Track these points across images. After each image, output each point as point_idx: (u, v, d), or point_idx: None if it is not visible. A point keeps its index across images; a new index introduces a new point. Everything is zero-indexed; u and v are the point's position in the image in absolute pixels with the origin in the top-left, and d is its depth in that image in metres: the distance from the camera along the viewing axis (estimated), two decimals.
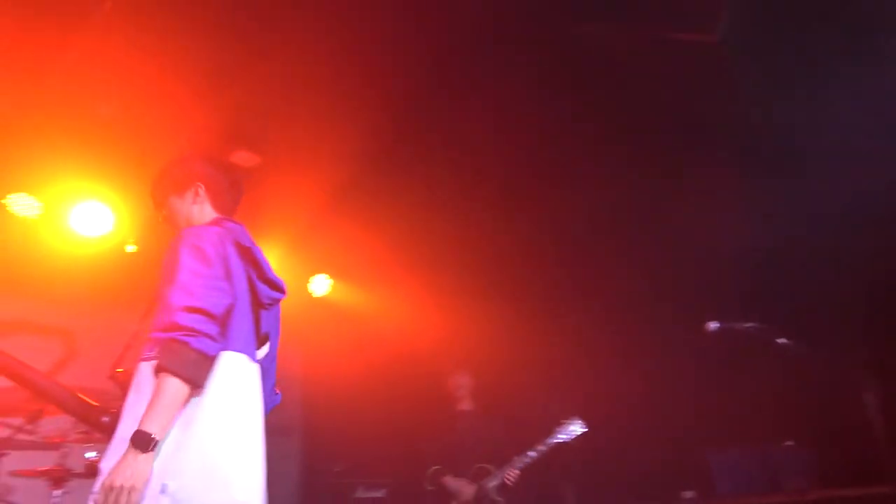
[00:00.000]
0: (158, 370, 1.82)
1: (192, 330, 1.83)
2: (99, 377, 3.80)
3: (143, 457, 1.76)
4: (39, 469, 3.40)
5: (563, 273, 5.84)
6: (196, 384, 1.85)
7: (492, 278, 5.87)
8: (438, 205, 5.50)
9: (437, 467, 4.64)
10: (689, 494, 4.85)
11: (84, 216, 4.84)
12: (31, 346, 4.92)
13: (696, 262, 5.20)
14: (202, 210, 2.30)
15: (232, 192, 2.41)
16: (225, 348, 1.95)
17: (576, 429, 4.58)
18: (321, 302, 6.24)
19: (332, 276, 6.23)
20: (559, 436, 4.54)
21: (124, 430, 1.87)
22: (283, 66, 3.95)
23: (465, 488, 4.53)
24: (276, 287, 2.25)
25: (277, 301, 2.29)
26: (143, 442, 1.77)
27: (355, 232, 5.62)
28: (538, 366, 5.73)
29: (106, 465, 1.84)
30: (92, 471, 3.41)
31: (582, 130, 4.56)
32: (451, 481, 4.57)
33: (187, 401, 1.86)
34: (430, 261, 5.86)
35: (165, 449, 1.81)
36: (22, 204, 4.66)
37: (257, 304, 2.16)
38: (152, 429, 1.78)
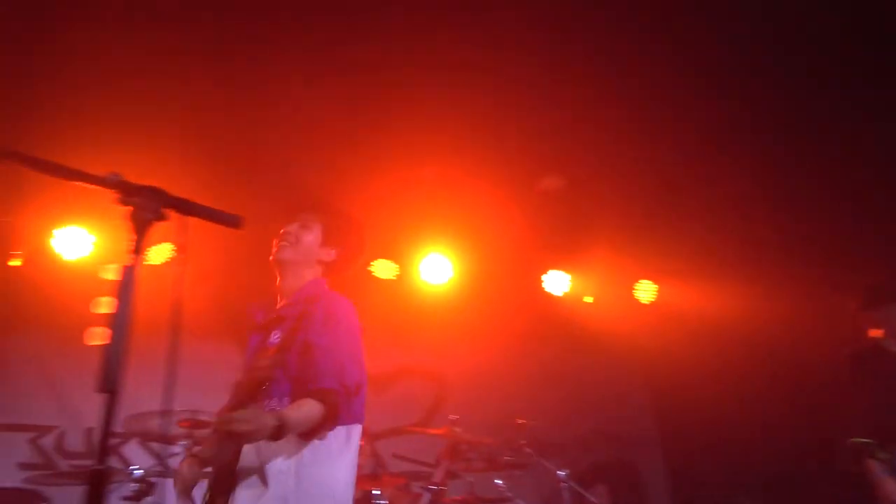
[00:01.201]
0: (323, 402, 2.05)
1: (339, 406, 2.09)
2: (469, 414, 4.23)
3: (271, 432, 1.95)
4: (455, 498, 3.80)
5: None
6: (315, 438, 2.13)
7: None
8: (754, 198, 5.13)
9: (864, 441, 3.39)
10: None
11: (430, 269, 5.47)
12: (411, 390, 5.62)
13: None
14: (319, 269, 2.42)
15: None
16: (355, 421, 2.25)
17: None
18: (649, 308, 6.11)
19: (656, 280, 6.07)
20: None
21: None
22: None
23: None
24: None
25: None
26: (281, 431, 1.96)
27: (675, 235, 5.47)
28: None
29: None
30: (501, 497, 3.75)
31: None
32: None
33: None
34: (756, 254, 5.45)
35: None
36: (383, 268, 5.44)
37: None
38: (289, 430, 1.99)
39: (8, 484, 3.94)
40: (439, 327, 5.68)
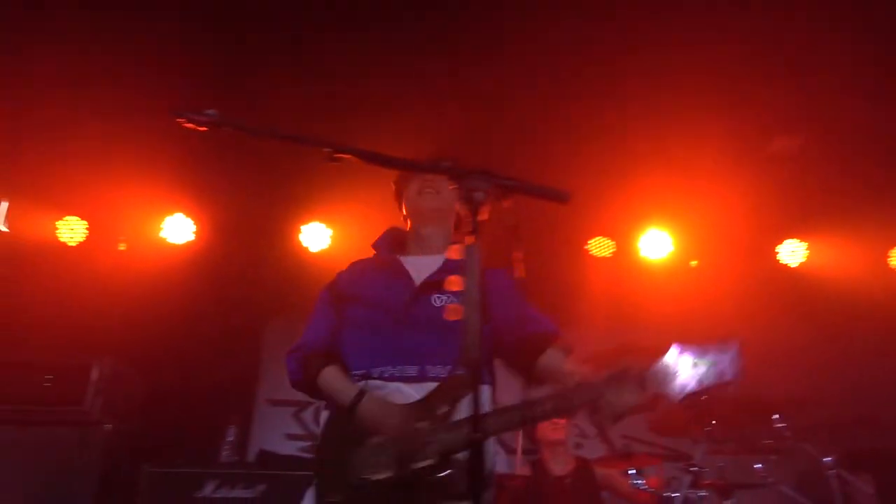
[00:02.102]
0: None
1: None
2: None
3: None
4: (716, 481, 3.58)
5: None
6: None
7: None
8: None
9: None
10: None
11: (649, 243, 5.27)
12: None
13: None
14: (453, 221, 2.36)
15: None
16: None
17: None
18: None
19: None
20: None
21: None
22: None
23: None
24: None
25: None
26: None
27: None
28: None
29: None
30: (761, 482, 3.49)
31: None
32: None
33: None
34: None
35: None
36: (599, 246, 5.34)
37: None
38: None
39: (286, 452, 4.46)
40: (660, 304, 5.42)
